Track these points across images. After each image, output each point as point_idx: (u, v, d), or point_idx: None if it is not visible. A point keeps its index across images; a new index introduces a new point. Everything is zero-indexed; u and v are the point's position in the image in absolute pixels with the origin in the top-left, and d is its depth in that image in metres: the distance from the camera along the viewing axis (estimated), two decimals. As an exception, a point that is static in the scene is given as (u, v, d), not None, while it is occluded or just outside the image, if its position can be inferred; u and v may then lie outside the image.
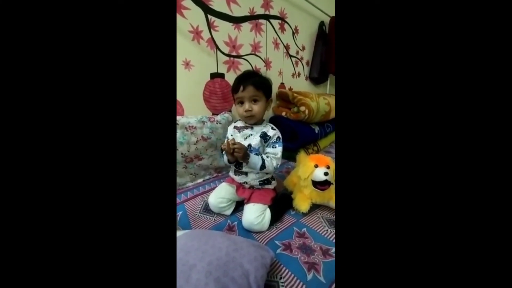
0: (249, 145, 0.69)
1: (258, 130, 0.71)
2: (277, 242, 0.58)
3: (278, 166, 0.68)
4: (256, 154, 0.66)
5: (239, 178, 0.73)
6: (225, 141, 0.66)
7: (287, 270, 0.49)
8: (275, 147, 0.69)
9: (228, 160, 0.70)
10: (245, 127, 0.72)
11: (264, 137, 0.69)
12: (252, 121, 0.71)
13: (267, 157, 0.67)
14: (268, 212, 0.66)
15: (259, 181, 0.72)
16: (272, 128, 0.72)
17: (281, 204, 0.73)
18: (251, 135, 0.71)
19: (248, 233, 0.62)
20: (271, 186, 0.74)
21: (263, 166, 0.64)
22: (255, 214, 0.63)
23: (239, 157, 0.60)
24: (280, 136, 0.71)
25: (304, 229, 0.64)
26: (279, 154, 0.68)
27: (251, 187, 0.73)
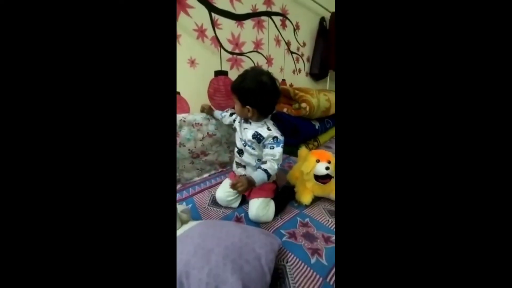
0: (244, 140, 0.73)
1: (254, 127, 0.71)
2: (282, 231, 0.63)
3: (280, 166, 0.68)
4: (259, 168, 0.65)
5: (239, 171, 0.78)
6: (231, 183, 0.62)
7: (292, 255, 0.54)
8: (273, 148, 0.67)
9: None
10: (246, 121, 0.75)
11: (257, 137, 0.69)
12: (239, 117, 0.76)
13: (266, 162, 0.66)
14: (272, 204, 0.71)
15: None
16: (268, 129, 0.70)
17: (284, 196, 0.78)
18: (246, 129, 0.74)
19: (255, 224, 0.67)
20: (269, 180, 0.76)
21: (268, 176, 0.64)
22: (261, 207, 0.67)
23: (244, 190, 0.59)
24: (278, 136, 0.68)
25: (307, 219, 0.69)
26: (278, 156, 0.66)
27: None
